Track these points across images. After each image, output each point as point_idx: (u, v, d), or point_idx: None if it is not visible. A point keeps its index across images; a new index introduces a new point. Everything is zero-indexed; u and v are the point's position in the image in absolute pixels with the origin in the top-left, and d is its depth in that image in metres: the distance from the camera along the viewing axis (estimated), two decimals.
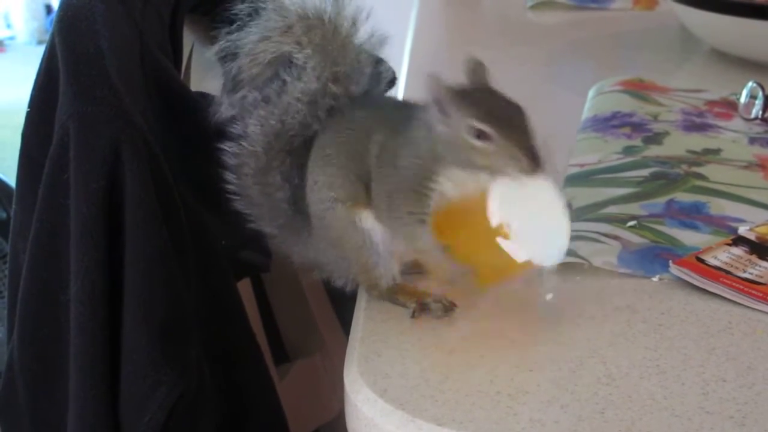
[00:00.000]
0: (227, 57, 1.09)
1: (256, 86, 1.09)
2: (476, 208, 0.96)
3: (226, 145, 1.09)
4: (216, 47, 1.10)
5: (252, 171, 1.09)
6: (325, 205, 1.04)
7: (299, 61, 1.07)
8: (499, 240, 0.95)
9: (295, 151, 1.08)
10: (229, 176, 1.10)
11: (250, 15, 1.08)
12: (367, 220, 1.02)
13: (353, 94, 1.08)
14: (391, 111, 1.05)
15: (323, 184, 1.04)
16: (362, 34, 1.08)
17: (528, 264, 0.97)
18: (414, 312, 1.01)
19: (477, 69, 0.99)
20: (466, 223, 0.98)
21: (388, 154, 1.00)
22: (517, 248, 0.96)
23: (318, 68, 1.07)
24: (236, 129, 1.09)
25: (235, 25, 1.08)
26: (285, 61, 1.08)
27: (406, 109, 1.02)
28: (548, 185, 0.97)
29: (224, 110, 1.10)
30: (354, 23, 1.08)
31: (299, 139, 1.08)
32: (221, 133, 1.09)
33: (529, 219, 0.97)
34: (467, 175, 0.96)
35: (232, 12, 1.08)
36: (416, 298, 1.02)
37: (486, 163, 0.95)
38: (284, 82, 1.07)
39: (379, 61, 1.11)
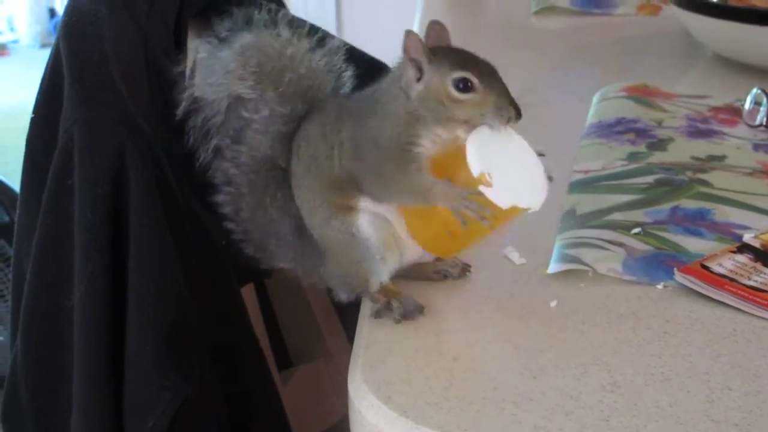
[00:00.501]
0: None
1: (225, 133, 1.10)
2: (462, 155, 0.97)
3: (217, 198, 1.10)
4: (180, 109, 1.11)
5: (248, 214, 1.10)
6: (323, 230, 1.05)
7: (247, 94, 1.08)
8: (482, 188, 0.95)
9: (282, 183, 1.09)
10: (230, 225, 1.11)
11: (194, 67, 1.09)
12: (361, 226, 1.03)
13: (302, 112, 1.08)
14: (345, 105, 1.05)
15: (308, 211, 1.05)
16: (303, 51, 1.09)
17: (516, 209, 0.97)
18: (378, 312, 1.02)
19: (441, 33, 1.00)
20: (458, 168, 0.98)
21: (364, 142, 1.00)
22: (500, 195, 0.96)
23: (263, 95, 1.08)
24: (219, 178, 1.10)
25: (187, 81, 1.10)
26: (242, 100, 1.08)
27: (362, 96, 1.04)
28: (516, 135, 0.98)
29: (204, 159, 1.11)
30: (292, 43, 1.09)
31: (279, 172, 1.08)
32: (211, 186, 1.10)
33: (506, 167, 0.97)
34: (446, 131, 0.98)
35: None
36: (388, 297, 1.02)
37: (469, 115, 0.96)
38: (244, 118, 1.08)
39: (336, 71, 1.11)
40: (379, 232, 1.03)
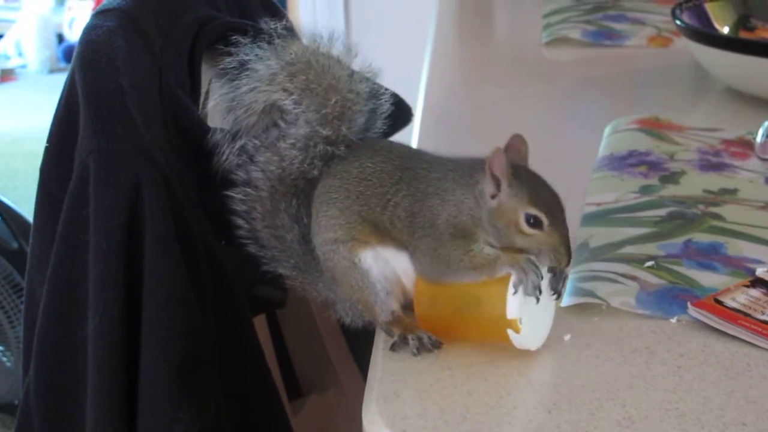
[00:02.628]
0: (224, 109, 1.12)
1: (254, 134, 1.11)
2: None
3: (233, 192, 1.11)
4: (210, 103, 1.12)
5: (260, 215, 1.11)
6: (328, 247, 1.06)
7: (288, 108, 1.09)
8: (510, 332, 0.99)
9: (300, 192, 1.10)
10: (239, 221, 1.12)
11: (238, 67, 1.10)
12: (366, 259, 1.04)
13: (346, 135, 1.09)
14: (410, 167, 1.05)
15: (325, 226, 1.06)
16: (346, 72, 1.10)
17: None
18: (394, 345, 1.03)
19: (520, 147, 1.02)
20: None
21: (421, 220, 1.01)
22: (522, 341, 0.99)
23: (306, 113, 1.09)
24: (240, 176, 1.12)
25: (224, 79, 1.11)
26: (280, 109, 1.09)
27: (431, 167, 1.04)
28: (548, 273, 1.01)
29: (227, 159, 1.12)
30: (340, 62, 1.10)
31: (302, 182, 1.09)
32: (228, 180, 1.11)
33: (534, 311, 1.00)
34: (497, 244, 1.00)
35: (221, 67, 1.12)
36: (404, 331, 1.03)
37: (526, 246, 0.98)
38: (280, 129, 1.09)
39: (376, 96, 1.12)
40: (383, 268, 1.04)
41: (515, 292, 0.97)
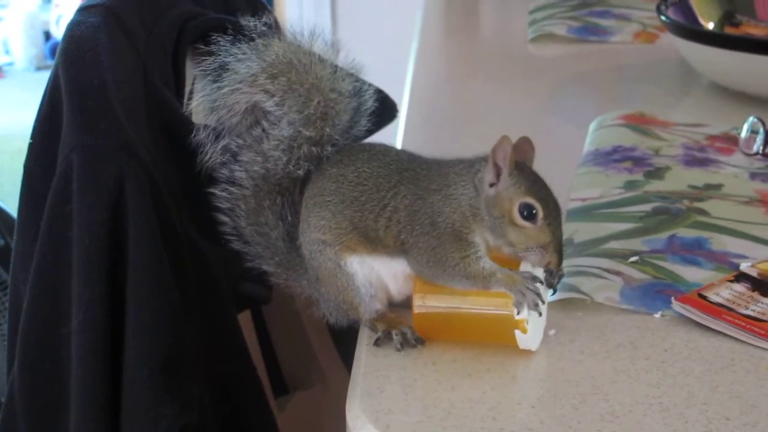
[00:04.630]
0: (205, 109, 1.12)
1: (237, 134, 1.11)
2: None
3: (216, 189, 1.11)
4: (192, 104, 1.12)
5: (244, 212, 1.11)
6: (315, 247, 1.06)
7: (271, 109, 1.09)
8: (517, 333, 0.98)
9: (285, 190, 1.10)
10: (223, 218, 1.12)
11: (218, 68, 1.10)
12: (351, 264, 1.04)
13: (330, 135, 1.09)
14: (408, 167, 1.05)
15: (315, 226, 1.05)
16: (329, 71, 1.10)
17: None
18: (378, 340, 1.02)
19: (527, 150, 1.01)
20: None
21: (421, 216, 1.01)
22: (528, 342, 0.99)
23: (289, 114, 1.08)
24: (223, 174, 1.11)
25: (206, 80, 1.10)
26: (262, 109, 1.09)
27: (429, 166, 1.04)
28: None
29: (210, 158, 1.12)
30: (322, 60, 1.09)
31: (287, 180, 1.09)
32: (211, 178, 1.11)
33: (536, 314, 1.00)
34: (494, 240, 0.99)
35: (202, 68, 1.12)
36: (388, 327, 1.03)
37: (517, 241, 0.98)
38: (263, 129, 1.09)
39: (359, 93, 1.12)
40: (368, 273, 1.04)
41: (518, 313, 0.97)
